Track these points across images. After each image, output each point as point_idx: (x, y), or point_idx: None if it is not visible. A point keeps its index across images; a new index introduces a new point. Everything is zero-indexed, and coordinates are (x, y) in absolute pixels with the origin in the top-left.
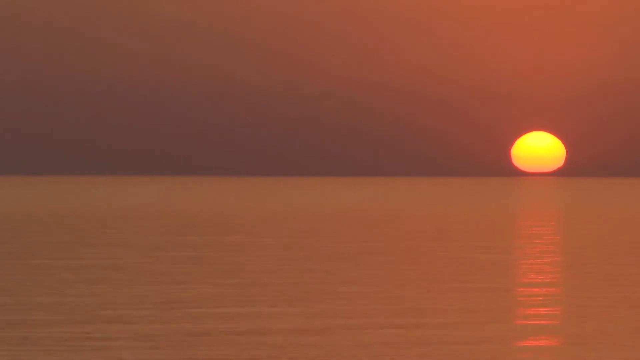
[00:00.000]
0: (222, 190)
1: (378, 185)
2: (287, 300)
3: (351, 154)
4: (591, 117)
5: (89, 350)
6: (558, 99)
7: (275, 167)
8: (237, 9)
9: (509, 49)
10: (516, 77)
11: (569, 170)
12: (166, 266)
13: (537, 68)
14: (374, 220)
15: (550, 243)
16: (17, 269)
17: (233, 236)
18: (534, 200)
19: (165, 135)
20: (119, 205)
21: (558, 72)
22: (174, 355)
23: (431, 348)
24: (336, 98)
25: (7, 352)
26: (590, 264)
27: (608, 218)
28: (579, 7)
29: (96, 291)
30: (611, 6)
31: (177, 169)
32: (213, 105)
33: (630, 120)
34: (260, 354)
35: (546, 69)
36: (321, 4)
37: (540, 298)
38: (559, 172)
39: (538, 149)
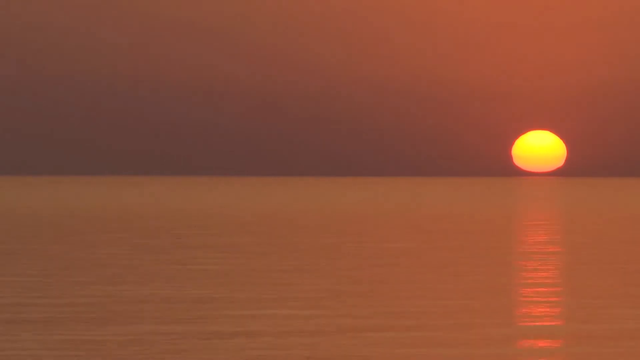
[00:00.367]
0: (249, 190)
1: (380, 186)
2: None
3: (351, 154)
4: (592, 116)
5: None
6: (559, 98)
7: (275, 167)
8: (237, 9)
9: (509, 48)
10: (516, 76)
11: (570, 169)
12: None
13: (537, 67)
14: (414, 220)
15: (552, 243)
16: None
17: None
18: (536, 200)
19: (166, 136)
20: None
21: (558, 71)
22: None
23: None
24: (336, 98)
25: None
26: (591, 265)
27: (610, 218)
28: (580, 6)
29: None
30: (614, 4)
31: (177, 169)
32: (213, 104)
33: (632, 119)
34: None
35: (546, 68)
36: (321, 2)
37: (542, 300)
38: (560, 171)
39: (539, 148)
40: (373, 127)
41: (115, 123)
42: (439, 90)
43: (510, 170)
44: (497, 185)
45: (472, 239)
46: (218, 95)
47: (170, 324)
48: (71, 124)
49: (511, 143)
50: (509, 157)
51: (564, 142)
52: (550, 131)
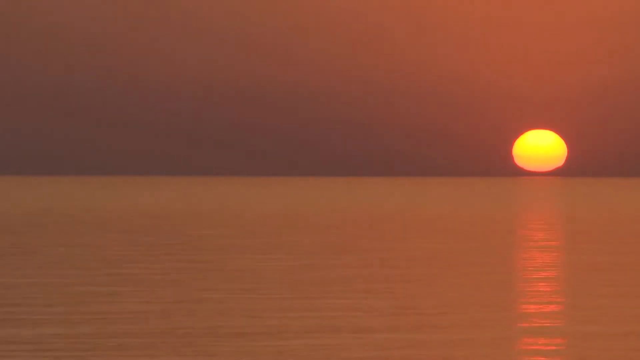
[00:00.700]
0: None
1: (383, 186)
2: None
3: (351, 154)
4: (592, 116)
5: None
6: (559, 97)
7: (274, 167)
8: (237, 8)
9: (508, 47)
10: (516, 75)
11: (571, 168)
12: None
13: (537, 66)
14: (429, 220)
15: (553, 242)
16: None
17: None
18: (539, 200)
19: (167, 135)
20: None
21: (558, 71)
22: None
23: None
24: (335, 98)
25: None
26: (595, 266)
27: (613, 218)
28: (583, 4)
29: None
30: (616, 3)
31: (178, 169)
32: (213, 104)
33: (634, 117)
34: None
35: (546, 67)
36: (321, 1)
37: (544, 300)
38: (561, 171)
39: (539, 147)
40: (373, 127)
41: (118, 123)
42: (439, 90)
43: (511, 169)
44: (500, 185)
45: (493, 239)
46: (218, 94)
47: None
48: (71, 124)
49: (512, 142)
50: (509, 156)
51: (564, 141)
52: (551, 130)
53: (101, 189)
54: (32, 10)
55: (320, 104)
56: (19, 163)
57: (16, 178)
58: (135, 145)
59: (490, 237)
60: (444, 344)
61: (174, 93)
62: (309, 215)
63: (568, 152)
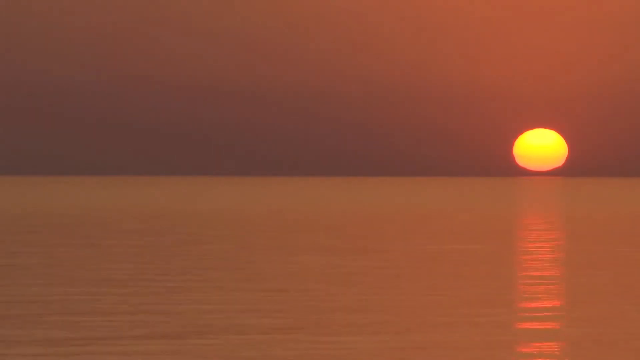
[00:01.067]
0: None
1: (384, 186)
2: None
3: (350, 154)
4: (593, 114)
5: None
6: (560, 96)
7: (273, 167)
8: (236, 7)
9: (509, 47)
10: (516, 74)
11: (571, 167)
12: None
13: (537, 65)
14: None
15: (555, 244)
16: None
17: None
18: (541, 200)
19: (168, 135)
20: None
21: (558, 69)
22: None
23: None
24: (335, 97)
25: None
26: (597, 267)
27: (614, 217)
28: (585, 3)
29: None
30: (618, 2)
31: (179, 169)
32: (213, 103)
33: (634, 116)
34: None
35: (546, 66)
36: (321, 1)
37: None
38: (561, 170)
39: (540, 146)
40: (373, 127)
41: (121, 123)
42: (440, 89)
43: (511, 168)
44: (501, 184)
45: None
46: (218, 94)
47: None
48: (72, 124)
49: (512, 141)
50: (510, 155)
51: (565, 140)
52: (551, 129)
53: (115, 188)
54: (32, 10)
55: (320, 104)
56: (18, 163)
57: (16, 178)
58: (135, 146)
59: (493, 237)
60: (444, 345)
61: (174, 93)
62: (310, 215)
63: (569, 152)
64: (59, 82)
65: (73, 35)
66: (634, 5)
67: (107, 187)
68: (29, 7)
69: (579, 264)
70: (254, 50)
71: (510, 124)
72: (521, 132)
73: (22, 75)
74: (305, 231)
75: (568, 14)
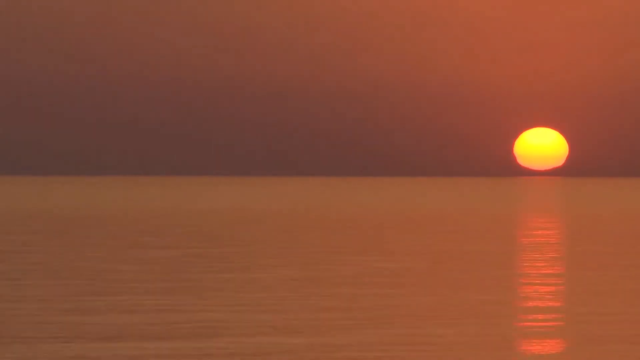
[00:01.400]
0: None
1: (384, 186)
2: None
3: (351, 154)
4: (593, 113)
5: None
6: (560, 95)
7: (274, 167)
8: (236, 7)
9: (509, 46)
10: (516, 73)
11: (572, 166)
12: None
13: (537, 64)
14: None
15: (557, 244)
16: None
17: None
18: (543, 200)
19: (168, 135)
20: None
21: (558, 69)
22: None
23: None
24: (335, 97)
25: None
26: (599, 269)
27: (616, 217)
28: (587, 2)
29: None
30: (620, 1)
31: (181, 169)
32: (213, 104)
33: (636, 115)
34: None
35: (546, 65)
36: (322, 1)
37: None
38: (562, 169)
39: (541, 146)
40: (373, 127)
41: (118, 123)
42: (439, 88)
43: (512, 168)
44: (503, 184)
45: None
46: (219, 95)
47: None
48: (73, 124)
49: (512, 141)
50: (510, 154)
51: (565, 139)
52: (552, 128)
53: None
54: (33, 9)
55: (320, 104)
56: (19, 163)
57: (16, 178)
58: (135, 145)
59: (498, 238)
60: (445, 345)
61: (174, 93)
62: (310, 215)
63: (569, 151)
64: (59, 82)
65: (74, 34)
66: (637, 3)
67: (147, 187)
68: (28, 6)
69: (593, 265)
70: (254, 49)
71: (511, 123)
72: (521, 131)
73: (21, 75)
74: (319, 230)
75: (570, 11)
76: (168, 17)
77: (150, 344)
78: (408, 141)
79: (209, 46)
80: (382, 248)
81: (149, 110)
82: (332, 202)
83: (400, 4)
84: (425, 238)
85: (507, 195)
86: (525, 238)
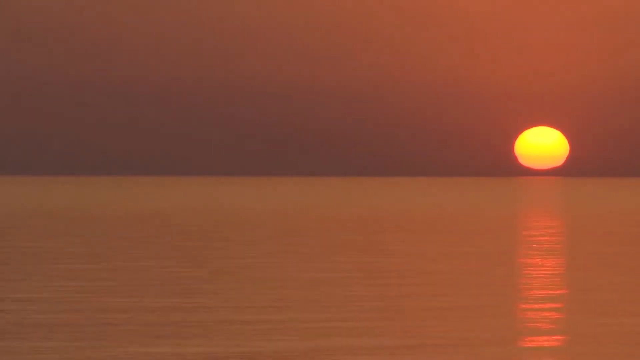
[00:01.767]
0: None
1: (384, 186)
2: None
3: (351, 154)
4: (593, 112)
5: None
6: (560, 94)
7: (274, 167)
8: (236, 6)
9: (509, 45)
10: (515, 73)
11: (572, 166)
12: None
13: (537, 63)
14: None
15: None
16: None
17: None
18: (545, 200)
19: (169, 135)
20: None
21: (559, 68)
22: None
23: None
24: (335, 98)
25: None
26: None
27: (618, 216)
28: (588, 2)
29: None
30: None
31: (182, 169)
32: (213, 104)
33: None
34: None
35: (546, 64)
36: (321, 2)
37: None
38: (562, 169)
39: (541, 145)
40: (373, 127)
41: (117, 123)
42: (440, 87)
43: (513, 167)
44: (504, 184)
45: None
46: (220, 95)
47: None
48: (73, 124)
49: (513, 140)
50: (511, 153)
51: (566, 138)
52: (552, 127)
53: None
54: (33, 9)
55: (320, 104)
56: (18, 163)
57: (17, 178)
58: (135, 146)
59: (498, 238)
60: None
61: (174, 93)
62: (310, 215)
63: (570, 150)
64: (59, 81)
65: (74, 34)
66: (638, 3)
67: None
68: (29, 5)
69: (592, 266)
70: (254, 49)
71: (511, 122)
72: (522, 131)
73: (21, 75)
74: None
75: (572, 10)
76: (168, 17)
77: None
78: (408, 141)
79: (209, 46)
80: (382, 248)
81: (149, 111)
82: (332, 203)
83: (401, 4)
84: (425, 238)
85: (507, 195)
86: (525, 238)
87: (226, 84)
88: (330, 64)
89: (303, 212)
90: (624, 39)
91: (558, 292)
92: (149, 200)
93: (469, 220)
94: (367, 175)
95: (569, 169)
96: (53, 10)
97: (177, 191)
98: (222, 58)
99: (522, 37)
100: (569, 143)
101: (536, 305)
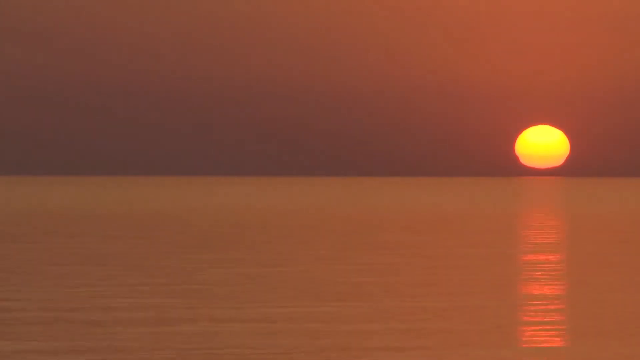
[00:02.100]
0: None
1: (384, 186)
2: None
3: (351, 154)
4: (593, 112)
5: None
6: (560, 93)
7: (274, 167)
8: (237, 6)
9: (509, 45)
10: (515, 72)
11: (573, 165)
12: None
13: (537, 63)
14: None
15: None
16: None
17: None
18: (546, 200)
19: (168, 135)
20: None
21: (559, 67)
22: None
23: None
24: (335, 98)
25: None
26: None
27: (617, 217)
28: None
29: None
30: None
31: (183, 169)
32: (214, 105)
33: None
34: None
35: (546, 64)
36: (321, 2)
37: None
38: (562, 168)
39: (542, 144)
40: (373, 127)
41: (117, 123)
42: (440, 87)
43: (513, 166)
44: (505, 184)
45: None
46: (221, 97)
47: None
48: (75, 124)
49: (514, 140)
50: (512, 153)
51: (567, 137)
52: (552, 125)
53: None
54: (33, 9)
55: (321, 104)
56: (18, 163)
57: (17, 178)
58: (135, 146)
59: (498, 238)
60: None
61: (175, 93)
62: (311, 215)
63: (570, 150)
64: (59, 81)
65: (74, 34)
66: (638, 3)
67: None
68: (29, 5)
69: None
70: (254, 49)
71: (512, 121)
72: (523, 129)
73: (21, 75)
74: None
75: (572, 10)
76: (168, 17)
77: None
78: (408, 141)
79: (209, 46)
80: (382, 248)
81: (149, 111)
82: (332, 203)
83: (401, 4)
84: (425, 238)
85: (508, 195)
86: (525, 238)
87: (226, 84)
88: (330, 64)
89: (303, 212)
90: (624, 38)
91: (558, 291)
92: (149, 201)
93: (468, 220)
94: (368, 175)
95: (569, 169)
96: (53, 10)
97: (176, 191)
98: (222, 58)
99: (522, 37)
100: (570, 143)
101: (536, 305)
